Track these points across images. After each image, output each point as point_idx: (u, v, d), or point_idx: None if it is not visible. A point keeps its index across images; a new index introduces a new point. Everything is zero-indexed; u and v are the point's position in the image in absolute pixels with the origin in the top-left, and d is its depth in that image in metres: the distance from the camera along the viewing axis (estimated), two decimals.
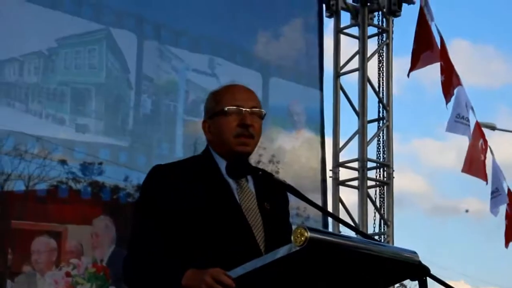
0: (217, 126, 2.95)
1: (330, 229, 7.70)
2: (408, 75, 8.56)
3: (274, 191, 3.00)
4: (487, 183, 8.94)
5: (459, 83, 8.62)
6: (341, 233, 2.70)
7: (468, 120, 8.62)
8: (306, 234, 2.39)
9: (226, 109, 2.92)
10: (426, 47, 8.47)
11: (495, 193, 9.07)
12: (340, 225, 7.18)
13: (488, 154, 9.03)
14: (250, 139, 2.94)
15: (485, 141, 9.06)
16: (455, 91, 8.55)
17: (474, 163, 8.82)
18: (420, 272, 2.74)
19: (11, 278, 5.73)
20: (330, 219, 7.75)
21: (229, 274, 2.56)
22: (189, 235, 2.78)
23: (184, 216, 2.79)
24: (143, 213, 2.87)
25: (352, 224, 7.07)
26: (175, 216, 2.79)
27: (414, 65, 8.52)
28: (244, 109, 2.93)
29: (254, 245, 2.81)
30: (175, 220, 2.79)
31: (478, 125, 8.97)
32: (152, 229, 2.80)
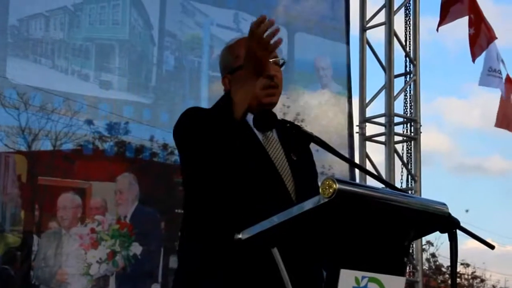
0: (239, 81, 2.85)
1: None
2: (437, 30, 8.44)
3: (299, 144, 2.95)
4: None
5: (493, 37, 8.45)
6: (370, 185, 2.64)
7: (500, 73, 8.49)
8: (334, 185, 2.34)
9: None
10: (455, 0, 8.31)
11: None
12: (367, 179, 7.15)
13: None
14: (276, 89, 2.89)
15: None
16: (490, 45, 8.41)
17: (506, 117, 8.71)
18: (450, 224, 2.68)
19: (38, 234, 5.78)
20: (357, 176, 7.71)
21: None
22: (219, 185, 2.72)
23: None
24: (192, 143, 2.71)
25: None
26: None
27: (443, 19, 8.38)
28: None
29: (285, 193, 2.78)
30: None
31: (509, 79, 8.81)
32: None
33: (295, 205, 2.64)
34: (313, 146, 2.97)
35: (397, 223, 2.65)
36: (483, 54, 8.42)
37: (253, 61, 2.65)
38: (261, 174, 2.77)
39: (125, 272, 6.10)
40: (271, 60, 2.86)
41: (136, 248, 6.13)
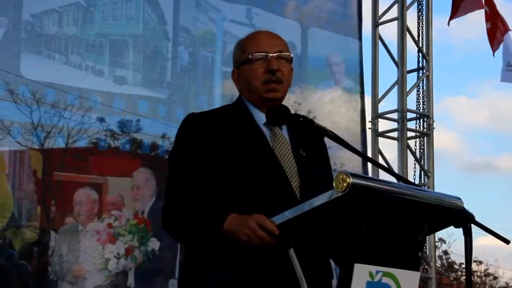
0: (244, 74, 2.91)
1: None
2: (448, 24, 8.41)
3: (311, 139, 2.95)
4: None
5: (506, 29, 8.44)
6: (383, 179, 2.63)
7: None
8: (348, 179, 2.34)
9: (250, 56, 2.88)
10: None
11: None
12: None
13: None
14: (279, 85, 2.89)
15: None
16: (504, 37, 8.38)
17: None
18: (465, 219, 2.67)
19: (55, 229, 5.81)
20: (369, 173, 7.69)
21: (273, 220, 2.54)
22: (222, 181, 2.74)
23: (218, 162, 2.76)
24: (179, 159, 2.85)
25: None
26: (209, 163, 2.76)
27: (454, 13, 8.35)
28: (269, 55, 2.88)
29: (289, 190, 2.77)
30: (209, 166, 2.76)
31: None
32: (189, 175, 2.77)
33: (298, 202, 2.66)
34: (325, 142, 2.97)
35: (411, 217, 2.64)
36: (501, 50, 8.38)
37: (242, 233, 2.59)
38: (265, 172, 2.77)
39: (143, 267, 6.11)
40: (275, 54, 2.89)
41: (155, 244, 6.15)
